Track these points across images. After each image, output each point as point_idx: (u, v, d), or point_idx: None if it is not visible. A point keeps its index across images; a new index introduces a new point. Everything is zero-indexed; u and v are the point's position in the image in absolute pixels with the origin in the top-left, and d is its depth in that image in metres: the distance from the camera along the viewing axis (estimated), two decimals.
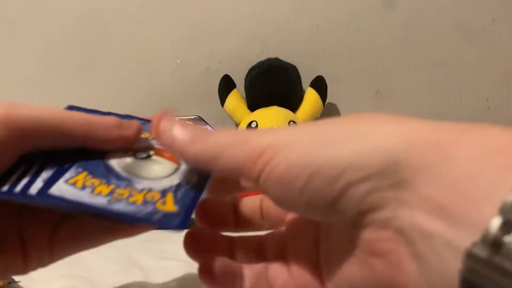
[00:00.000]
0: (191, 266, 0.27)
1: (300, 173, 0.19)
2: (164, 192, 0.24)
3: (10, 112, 0.22)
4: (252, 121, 0.74)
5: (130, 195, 0.23)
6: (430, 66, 0.83)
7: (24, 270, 0.24)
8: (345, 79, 0.84)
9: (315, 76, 0.79)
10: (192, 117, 0.73)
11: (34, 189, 0.22)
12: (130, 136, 0.25)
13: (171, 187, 0.24)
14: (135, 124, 0.26)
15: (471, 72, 0.83)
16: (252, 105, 0.78)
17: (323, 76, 0.79)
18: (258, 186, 0.20)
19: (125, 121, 0.26)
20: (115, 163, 0.25)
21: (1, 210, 0.24)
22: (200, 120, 0.72)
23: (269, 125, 0.73)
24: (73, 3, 0.85)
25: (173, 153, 0.25)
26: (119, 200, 0.23)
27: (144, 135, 0.29)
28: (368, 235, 0.19)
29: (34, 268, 0.25)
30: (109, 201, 0.23)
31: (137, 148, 0.27)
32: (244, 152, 0.20)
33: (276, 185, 0.20)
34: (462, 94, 0.83)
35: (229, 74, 0.79)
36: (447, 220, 0.16)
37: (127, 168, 0.25)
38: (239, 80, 0.80)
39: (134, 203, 0.23)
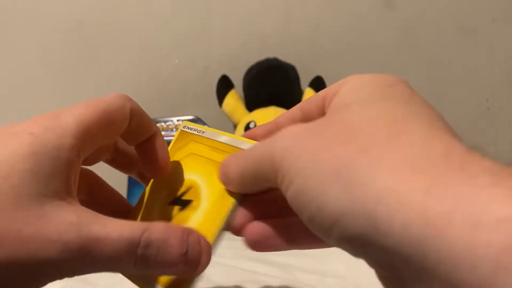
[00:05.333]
0: None
1: (301, 210, 0.19)
2: None
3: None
4: (250, 122, 0.74)
5: None
6: (430, 66, 0.83)
7: None
8: None
9: (314, 76, 0.78)
10: (190, 117, 0.72)
11: None
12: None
13: None
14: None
15: (471, 72, 0.83)
16: (250, 106, 0.77)
17: (322, 76, 0.79)
18: None
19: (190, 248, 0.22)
20: None
21: None
22: (198, 120, 0.72)
23: None
24: (71, 4, 0.85)
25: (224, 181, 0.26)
26: None
27: None
28: None
29: None
30: None
31: None
32: (266, 171, 0.21)
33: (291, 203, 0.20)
34: (462, 94, 0.83)
35: (227, 74, 0.79)
36: None
37: None
38: (237, 80, 0.79)
39: None
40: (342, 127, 0.19)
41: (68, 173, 0.21)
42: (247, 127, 0.74)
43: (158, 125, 0.72)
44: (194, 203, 0.27)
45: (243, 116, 0.76)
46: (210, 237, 0.25)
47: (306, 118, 0.25)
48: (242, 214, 0.25)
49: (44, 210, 0.19)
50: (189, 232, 0.22)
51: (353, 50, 0.83)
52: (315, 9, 0.84)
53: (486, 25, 0.82)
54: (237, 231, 0.24)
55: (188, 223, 0.27)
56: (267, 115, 0.74)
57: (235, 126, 0.78)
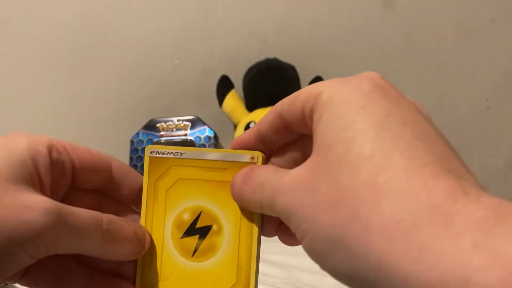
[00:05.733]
0: None
1: (316, 262, 0.21)
2: None
3: None
4: (250, 122, 0.74)
5: None
6: (430, 66, 0.83)
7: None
8: None
9: (313, 76, 0.78)
10: (190, 117, 0.72)
11: None
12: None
13: None
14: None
15: (471, 72, 0.83)
16: (251, 106, 0.77)
17: (322, 76, 0.79)
18: None
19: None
20: None
21: None
22: (198, 120, 0.72)
23: None
24: (71, 4, 0.85)
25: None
26: None
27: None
28: None
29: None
30: None
31: None
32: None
33: None
34: (461, 94, 0.83)
35: (227, 75, 0.79)
36: None
37: None
38: (237, 80, 0.79)
39: None
40: (330, 184, 0.20)
41: (37, 169, 0.24)
42: (247, 127, 0.74)
43: (158, 125, 0.72)
44: (215, 227, 0.27)
45: (243, 116, 0.76)
46: (253, 255, 0.26)
47: (289, 128, 0.25)
48: (270, 220, 0.26)
49: (19, 188, 0.22)
50: (130, 220, 0.27)
51: (353, 50, 0.83)
52: (315, 9, 0.84)
53: (485, 25, 0.82)
54: (271, 235, 0.27)
55: (221, 249, 0.27)
56: None
57: (235, 126, 0.78)
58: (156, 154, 0.28)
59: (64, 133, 0.83)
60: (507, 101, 0.82)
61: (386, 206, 0.18)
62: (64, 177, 0.26)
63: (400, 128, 0.19)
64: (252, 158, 0.27)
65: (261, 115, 0.74)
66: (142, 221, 0.27)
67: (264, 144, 0.26)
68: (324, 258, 0.20)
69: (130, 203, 0.29)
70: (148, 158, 0.28)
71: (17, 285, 0.45)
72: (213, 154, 0.27)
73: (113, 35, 0.85)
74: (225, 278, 0.27)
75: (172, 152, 0.28)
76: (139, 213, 0.28)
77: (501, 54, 0.82)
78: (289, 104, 0.25)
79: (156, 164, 0.28)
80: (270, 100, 0.76)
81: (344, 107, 0.21)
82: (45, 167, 0.24)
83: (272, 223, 0.26)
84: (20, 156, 0.24)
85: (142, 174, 0.29)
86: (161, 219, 0.27)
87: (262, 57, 0.79)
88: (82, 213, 0.24)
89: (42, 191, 0.24)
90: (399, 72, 0.83)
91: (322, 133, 0.21)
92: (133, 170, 0.29)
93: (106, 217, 0.25)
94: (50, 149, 0.25)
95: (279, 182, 0.23)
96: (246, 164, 0.27)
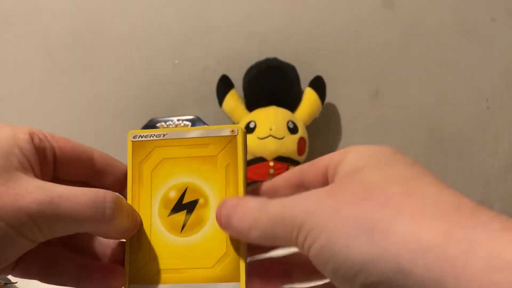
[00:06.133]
0: None
1: (325, 264, 0.20)
2: None
3: None
4: (250, 121, 0.74)
5: None
6: (430, 66, 0.83)
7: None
8: (344, 79, 0.83)
9: (314, 76, 0.79)
10: (190, 117, 0.72)
11: None
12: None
13: None
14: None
15: (471, 72, 0.83)
16: (250, 105, 0.77)
17: (322, 76, 0.79)
18: None
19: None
20: None
21: None
22: (198, 120, 0.72)
23: (267, 125, 0.72)
24: (70, 3, 0.85)
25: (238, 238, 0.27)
26: None
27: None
28: None
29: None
30: None
31: None
32: (286, 232, 0.22)
33: (313, 261, 0.22)
34: (461, 94, 0.83)
35: (227, 74, 0.79)
36: None
37: None
38: (238, 80, 0.79)
39: None
40: (359, 186, 0.21)
41: (25, 155, 0.24)
42: (247, 127, 0.74)
43: (158, 124, 0.72)
44: (201, 201, 0.27)
45: (243, 116, 0.76)
46: None
47: (305, 185, 0.26)
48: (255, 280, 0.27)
49: (11, 175, 0.23)
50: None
51: (353, 50, 0.83)
52: (315, 9, 0.84)
53: (485, 25, 0.82)
54: None
55: (209, 221, 0.27)
56: (267, 114, 0.74)
57: None
58: (138, 138, 0.28)
59: (64, 132, 0.83)
60: (507, 101, 0.82)
61: (417, 198, 0.19)
62: (47, 165, 0.26)
63: (422, 175, 0.21)
64: (232, 131, 0.28)
65: (261, 114, 0.74)
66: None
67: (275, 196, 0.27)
68: (341, 249, 0.20)
69: (115, 191, 0.29)
70: (131, 142, 0.28)
71: (16, 285, 0.45)
72: (194, 132, 0.28)
73: (112, 35, 0.85)
74: (215, 249, 0.27)
75: (154, 135, 0.28)
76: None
77: (501, 53, 0.82)
78: (310, 164, 0.26)
79: (139, 147, 0.28)
80: (270, 100, 0.76)
81: (375, 153, 0.23)
82: (31, 153, 0.25)
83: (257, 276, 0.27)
84: (6, 145, 0.24)
85: None
86: (147, 200, 0.28)
87: (262, 57, 0.79)
88: (79, 195, 0.24)
89: (34, 175, 0.24)
90: (399, 72, 0.83)
91: (352, 163, 0.23)
92: (115, 159, 0.29)
93: (110, 195, 0.25)
94: (31, 136, 0.25)
95: (294, 197, 0.23)
96: (227, 138, 0.28)
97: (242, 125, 0.75)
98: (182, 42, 0.84)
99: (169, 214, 0.27)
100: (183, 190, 0.27)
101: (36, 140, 0.26)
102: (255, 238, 0.24)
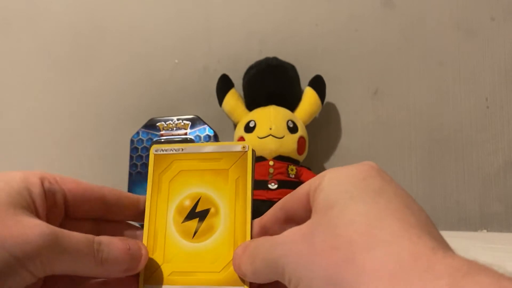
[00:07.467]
0: None
1: None
2: None
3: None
4: (250, 121, 0.74)
5: None
6: (429, 65, 0.83)
7: None
8: (343, 79, 0.83)
9: (313, 75, 0.79)
10: (190, 116, 0.72)
11: None
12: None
13: None
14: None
15: (470, 71, 0.83)
16: (250, 105, 0.77)
17: (322, 75, 0.79)
18: None
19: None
20: None
21: None
22: (198, 119, 0.72)
23: (267, 124, 0.72)
24: (70, 3, 0.85)
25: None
26: None
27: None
28: None
29: None
30: None
31: None
32: (276, 274, 0.25)
33: None
34: (461, 93, 0.83)
35: (227, 74, 0.79)
36: None
37: None
38: (237, 79, 0.79)
39: None
40: (329, 233, 0.22)
41: (32, 198, 0.26)
42: (247, 126, 0.74)
43: (158, 124, 0.72)
44: (212, 210, 0.30)
45: (243, 115, 0.76)
46: (247, 233, 0.29)
47: (291, 217, 0.28)
48: None
49: (18, 212, 0.24)
50: (126, 238, 0.28)
51: (353, 49, 0.83)
52: (315, 8, 0.84)
53: (485, 24, 0.82)
54: None
55: (218, 229, 0.29)
56: (267, 114, 0.74)
57: (235, 125, 0.78)
58: (160, 151, 0.31)
59: (64, 132, 0.84)
60: (506, 100, 0.82)
61: (378, 253, 0.20)
62: (57, 207, 0.28)
63: (392, 197, 0.23)
64: (243, 147, 0.31)
65: (261, 114, 0.74)
66: (146, 211, 0.30)
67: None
68: None
69: (131, 220, 0.31)
70: (153, 155, 0.31)
71: None
72: (209, 147, 0.31)
73: (112, 35, 0.85)
74: (223, 255, 0.29)
75: (174, 149, 0.31)
76: (140, 229, 0.31)
77: (500, 53, 0.82)
78: (291, 194, 0.28)
79: (160, 160, 0.31)
80: (270, 99, 0.76)
81: (346, 179, 0.24)
82: (39, 196, 0.26)
83: None
84: (16, 186, 0.26)
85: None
86: (164, 207, 0.30)
87: (262, 57, 0.79)
88: (75, 235, 0.26)
89: (38, 217, 0.26)
90: (399, 71, 0.83)
91: (324, 197, 0.24)
92: (125, 192, 0.31)
93: (97, 238, 0.27)
94: (42, 180, 0.27)
95: (275, 239, 0.25)
96: (238, 153, 0.31)
97: (242, 124, 0.75)
98: (182, 41, 0.84)
99: (183, 221, 0.30)
100: (197, 200, 0.30)
101: (47, 184, 0.27)
102: (259, 281, 0.27)
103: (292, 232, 0.24)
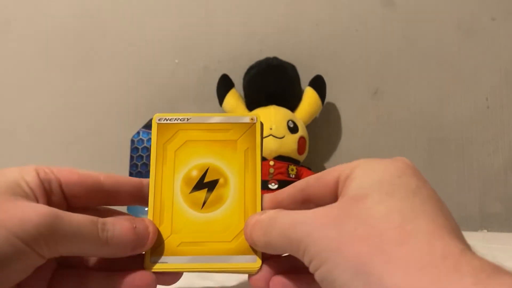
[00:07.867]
0: None
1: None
2: None
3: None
4: None
5: None
6: (429, 65, 0.83)
7: None
8: (344, 79, 0.83)
9: (314, 75, 0.79)
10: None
11: None
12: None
13: None
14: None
15: (471, 71, 0.83)
16: (251, 105, 0.77)
17: (322, 75, 0.79)
18: None
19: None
20: None
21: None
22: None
23: (267, 124, 0.72)
24: (70, 3, 0.85)
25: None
26: None
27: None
28: None
29: None
30: None
31: None
32: (293, 249, 0.25)
33: None
34: (461, 93, 0.83)
35: (227, 74, 0.79)
36: None
37: None
38: (238, 79, 0.79)
39: None
40: (360, 223, 0.23)
41: (30, 187, 0.27)
42: None
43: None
44: (221, 181, 0.29)
45: None
46: (258, 202, 0.29)
47: (311, 200, 0.28)
48: (265, 269, 0.28)
49: (18, 198, 0.25)
50: (132, 217, 0.28)
51: (353, 50, 0.83)
52: (315, 8, 0.84)
53: (485, 24, 0.83)
54: (260, 285, 0.28)
55: (228, 199, 0.29)
56: (267, 114, 0.74)
57: None
58: (163, 120, 0.31)
59: (64, 132, 0.84)
60: (506, 100, 0.82)
61: (409, 247, 0.21)
62: (54, 195, 0.28)
63: (426, 198, 0.24)
64: (251, 119, 0.30)
65: (261, 114, 0.74)
66: (151, 181, 0.30)
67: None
68: (340, 284, 0.22)
69: (135, 204, 0.31)
70: (156, 124, 0.30)
71: None
72: (216, 118, 0.30)
73: (113, 35, 0.85)
74: (233, 224, 0.29)
75: (179, 118, 0.30)
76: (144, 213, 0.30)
77: (500, 53, 0.82)
78: (317, 178, 0.28)
79: (164, 129, 0.30)
80: (270, 99, 0.76)
81: (382, 174, 0.25)
82: (37, 186, 0.27)
83: (267, 272, 0.28)
84: (13, 178, 0.26)
85: (140, 177, 0.30)
86: (170, 178, 0.30)
87: (262, 57, 0.79)
88: (77, 215, 0.26)
89: (31, 198, 0.26)
90: (399, 71, 0.83)
91: (357, 186, 0.25)
92: (122, 176, 0.31)
93: (102, 219, 0.27)
94: (37, 171, 0.28)
95: (296, 216, 0.25)
96: (246, 124, 0.30)
97: None
98: (182, 41, 0.84)
99: (191, 192, 0.29)
100: (205, 170, 0.29)
101: (42, 174, 0.28)
102: (271, 252, 0.27)
103: (320, 214, 0.24)
